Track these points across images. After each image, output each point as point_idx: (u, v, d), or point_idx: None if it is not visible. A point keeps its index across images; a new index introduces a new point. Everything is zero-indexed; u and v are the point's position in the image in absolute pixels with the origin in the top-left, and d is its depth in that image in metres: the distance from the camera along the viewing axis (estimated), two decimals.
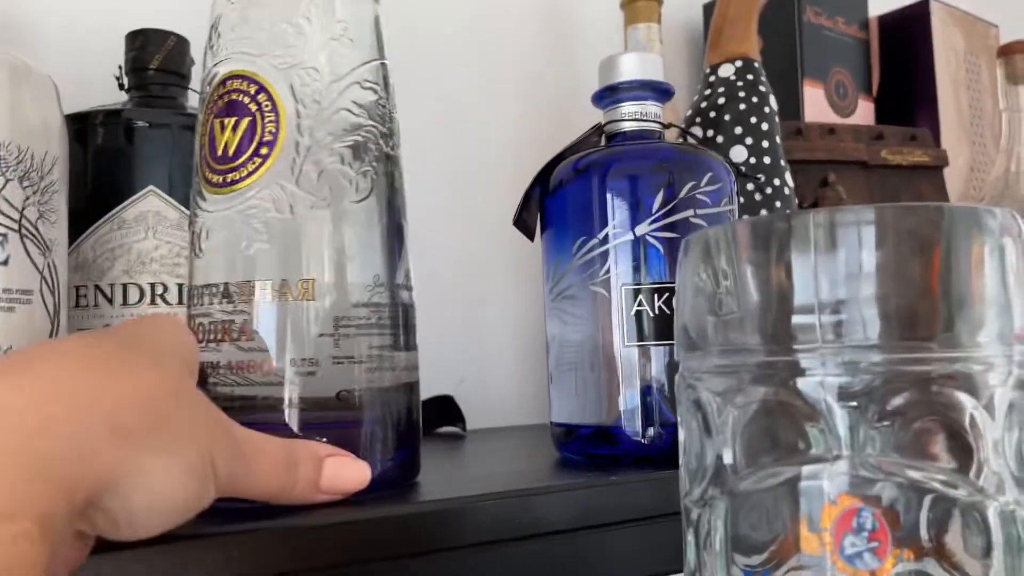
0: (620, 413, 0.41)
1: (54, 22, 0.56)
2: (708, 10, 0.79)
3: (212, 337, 0.33)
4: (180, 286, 0.45)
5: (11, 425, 0.20)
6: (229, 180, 0.34)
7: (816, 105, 0.70)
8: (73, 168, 0.41)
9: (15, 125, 0.34)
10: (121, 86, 0.50)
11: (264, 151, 0.34)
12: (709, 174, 0.42)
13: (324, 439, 0.32)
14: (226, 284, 0.33)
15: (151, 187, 0.45)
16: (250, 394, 0.32)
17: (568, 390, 0.44)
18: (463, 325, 0.69)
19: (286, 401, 0.32)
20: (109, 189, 0.45)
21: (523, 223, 0.47)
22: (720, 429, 0.28)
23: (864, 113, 0.75)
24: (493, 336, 0.70)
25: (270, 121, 0.34)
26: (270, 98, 0.34)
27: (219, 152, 0.34)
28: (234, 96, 0.34)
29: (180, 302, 0.44)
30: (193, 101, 0.51)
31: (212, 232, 0.34)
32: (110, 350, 0.24)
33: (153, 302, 0.44)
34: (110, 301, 0.44)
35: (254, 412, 0.32)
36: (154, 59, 0.49)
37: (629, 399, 0.41)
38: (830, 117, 0.71)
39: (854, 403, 0.26)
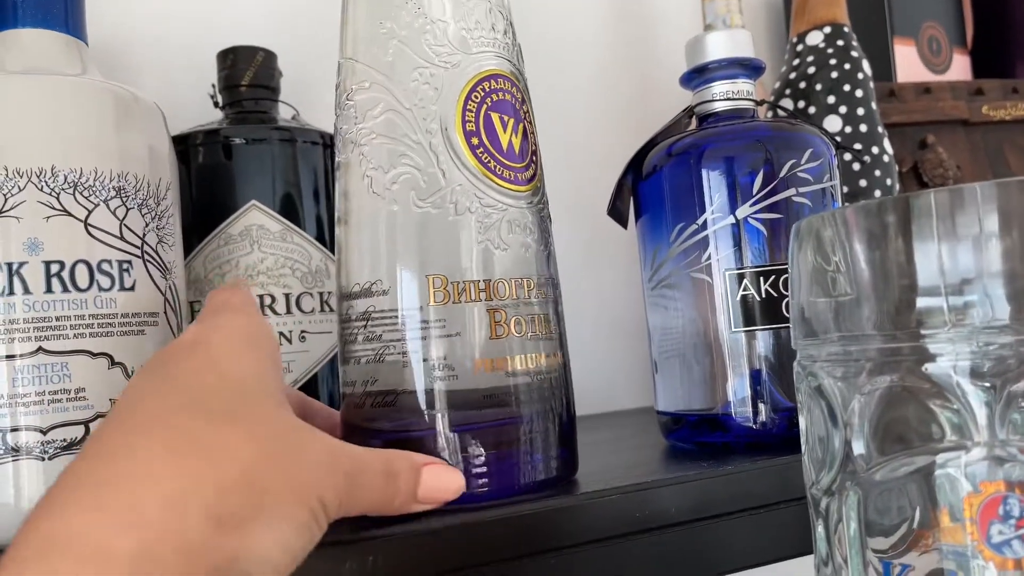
0: (729, 400, 0.41)
1: (146, 46, 0.58)
2: None
3: (524, 331, 0.35)
4: (287, 295, 0.46)
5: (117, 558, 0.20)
6: (522, 179, 0.36)
7: (909, 63, 0.67)
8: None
9: (130, 155, 0.36)
10: (216, 104, 0.51)
11: (535, 158, 0.37)
12: (809, 150, 0.41)
13: None
14: (530, 278, 0.35)
15: (253, 201, 0.46)
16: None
17: (674, 378, 0.43)
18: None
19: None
20: (213, 206, 0.46)
21: (617, 212, 0.47)
22: (847, 418, 0.28)
23: (960, 68, 0.71)
24: (586, 322, 0.70)
25: (531, 131, 0.37)
26: (529, 109, 0.37)
27: (504, 147, 0.35)
28: (507, 97, 0.36)
29: (288, 311, 0.46)
30: (284, 112, 0.52)
31: (513, 224, 0.35)
32: (195, 427, 0.23)
33: (262, 312, 0.45)
34: None
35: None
36: (245, 76, 0.50)
37: (739, 385, 0.41)
38: (924, 75, 0.68)
39: (988, 385, 0.25)
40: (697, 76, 0.45)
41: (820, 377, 0.29)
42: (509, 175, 0.35)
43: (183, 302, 0.39)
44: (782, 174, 0.41)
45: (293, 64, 0.55)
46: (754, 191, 0.40)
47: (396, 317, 0.34)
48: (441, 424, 0.33)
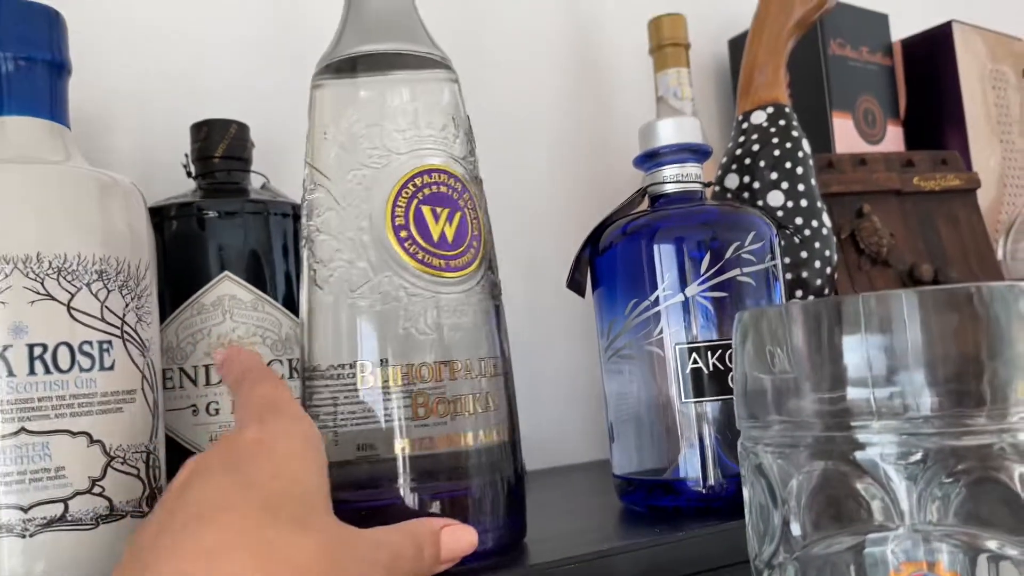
0: (681, 465, 0.43)
1: (120, 116, 0.59)
2: (734, 45, 0.81)
3: (456, 409, 0.37)
4: None
5: None
6: (454, 266, 0.38)
7: (846, 135, 0.72)
8: None
9: (112, 239, 0.37)
10: (189, 174, 0.53)
11: (475, 244, 0.39)
12: (752, 232, 0.44)
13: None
14: (468, 360, 0.38)
15: (226, 272, 0.48)
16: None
17: (629, 443, 0.46)
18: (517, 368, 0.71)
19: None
20: (186, 275, 0.48)
21: (575, 283, 0.49)
22: (785, 496, 0.31)
23: (893, 138, 0.76)
24: (546, 384, 0.72)
25: (474, 218, 0.40)
26: (472, 198, 0.40)
27: (435, 237, 0.38)
28: (443, 189, 0.39)
29: None
30: (254, 180, 0.54)
31: (439, 311, 0.38)
32: (276, 536, 0.25)
33: None
34: (194, 382, 0.47)
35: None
36: (219, 147, 0.52)
37: (689, 452, 0.43)
38: (860, 146, 0.73)
39: (911, 474, 0.28)
40: (649, 160, 0.48)
41: (761, 456, 0.32)
42: (439, 263, 0.38)
43: (159, 375, 0.40)
44: (728, 255, 0.44)
45: (262, 129, 0.57)
46: (702, 270, 0.43)
47: (333, 402, 0.37)
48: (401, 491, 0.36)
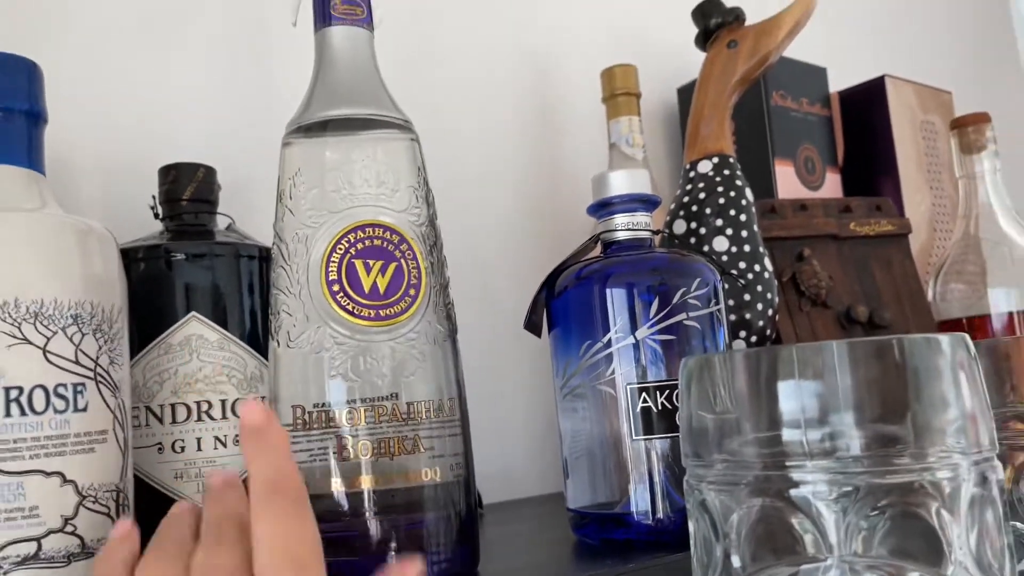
0: (632, 499, 0.46)
1: (87, 159, 0.60)
2: (683, 93, 0.85)
3: (383, 450, 0.40)
4: (223, 401, 0.49)
5: None
6: (384, 315, 0.41)
7: (787, 181, 0.76)
8: None
9: (87, 284, 0.39)
10: (156, 215, 0.54)
11: (412, 292, 0.41)
12: (698, 279, 0.47)
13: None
14: (394, 404, 0.40)
15: (193, 313, 0.49)
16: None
17: (582, 478, 0.48)
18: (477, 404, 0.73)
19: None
20: (153, 316, 0.49)
21: (532, 324, 0.52)
22: (727, 530, 0.33)
23: (832, 184, 0.81)
24: (502, 420, 0.74)
25: (414, 268, 0.42)
26: (411, 249, 0.42)
27: (366, 289, 0.41)
28: (377, 243, 0.41)
29: (224, 416, 0.49)
30: (220, 221, 0.56)
31: (368, 356, 0.40)
32: None
33: (199, 418, 0.48)
34: (160, 420, 0.48)
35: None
36: (187, 190, 0.53)
37: (640, 487, 0.45)
38: (801, 192, 0.77)
39: (841, 508, 0.30)
40: (602, 208, 0.51)
41: (705, 493, 0.34)
42: (368, 313, 0.41)
43: (129, 415, 0.41)
44: (675, 300, 0.46)
45: (228, 170, 0.59)
46: (651, 314, 0.46)
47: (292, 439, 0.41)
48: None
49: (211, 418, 0.48)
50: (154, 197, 0.55)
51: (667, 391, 0.46)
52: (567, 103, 0.83)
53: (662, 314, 0.46)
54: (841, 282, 0.70)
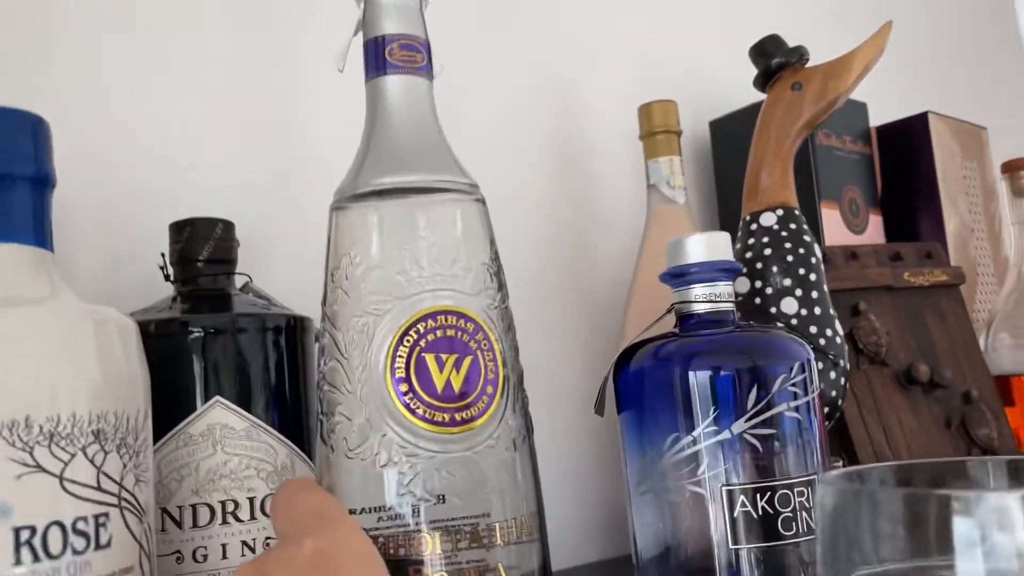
0: None
1: (82, 212, 0.53)
2: (715, 127, 0.80)
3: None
4: (251, 499, 0.42)
5: None
6: (460, 419, 0.35)
7: (834, 226, 0.71)
8: None
9: (110, 389, 0.32)
10: (167, 277, 0.48)
11: (490, 390, 0.36)
12: (797, 362, 0.42)
13: None
14: (473, 526, 0.34)
15: (217, 398, 0.43)
16: None
17: None
18: None
19: None
20: (169, 402, 0.42)
21: (602, 407, 0.46)
22: None
23: (875, 227, 0.76)
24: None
25: (490, 360, 0.36)
26: (487, 338, 0.36)
27: (439, 389, 0.35)
28: (450, 333, 0.35)
29: (252, 517, 0.42)
30: (237, 282, 0.49)
31: (444, 471, 0.35)
32: None
33: (224, 521, 0.42)
34: (179, 525, 0.41)
35: None
36: (203, 250, 0.47)
37: None
38: (846, 235, 0.73)
39: None
40: (679, 277, 0.45)
41: None
42: (442, 418, 0.35)
43: (155, 539, 0.35)
44: (774, 388, 0.41)
45: (243, 224, 0.52)
46: (748, 406, 0.41)
47: None
48: None
49: (238, 520, 0.42)
50: (163, 255, 0.48)
51: (767, 494, 0.40)
52: (597, 139, 0.77)
53: (760, 404, 0.41)
54: (897, 337, 0.65)
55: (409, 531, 0.34)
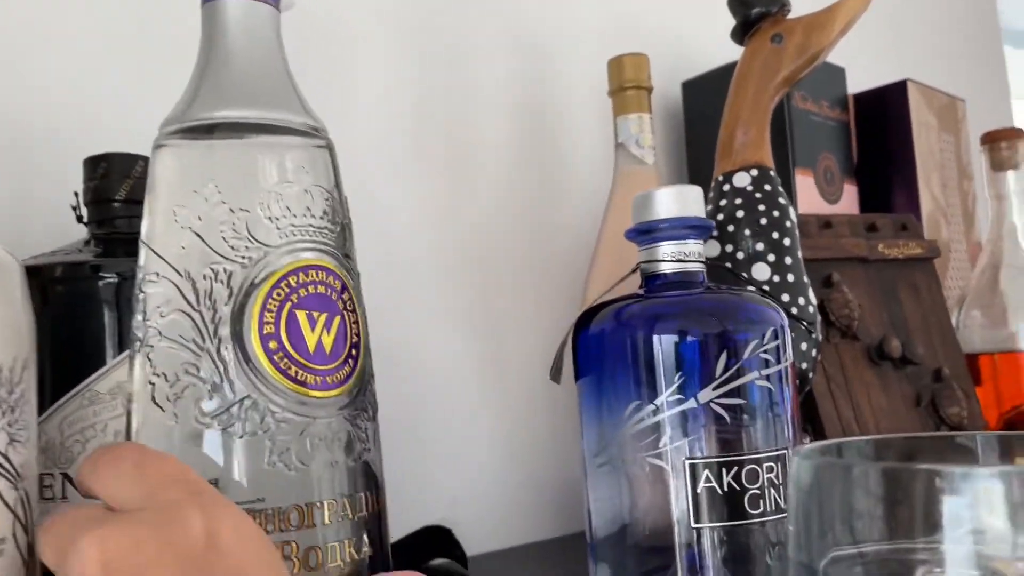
0: None
1: None
2: (688, 88, 0.76)
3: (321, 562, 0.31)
4: None
5: None
6: (334, 381, 0.32)
7: (808, 193, 0.68)
8: None
9: None
10: (79, 218, 0.43)
11: (355, 353, 0.33)
12: (771, 328, 0.39)
13: None
14: (334, 500, 0.31)
15: (129, 352, 0.38)
16: None
17: (618, 565, 0.39)
18: (452, 443, 0.63)
19: None
20: (74, 356, 0.38)
21: (558, 374, 0.43)
22: None
23: (849, 196, 0.73)
24: (484, 453, 0.65)
25: (353, 322, 0.33)
26: (352, 298, 0.33)
27: (312, 349, 0.31)
28: (321, 289, 0.32)
29: None
30: None
31: (306, 438, 0.31)
32: None
33: None
34: None
35: None
36: (120, 189, 0.42)
37: None
38: (820, 204, 0.70)
39: None
40: (645, 234, 0.42)
41: None
42: (315, 381, 0.31)
43: (35, 507, 0.31)
44: (746, 354, 0.38)
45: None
46: (717, 373, 0.37)
47: None
48: None
49: None
50: (76, 195, 0.43)
51: (734, 469, 0.37)
52: (563, 95, 0.73)
53: (729, 372, 0.37)
54: (869, 311, 0.63)
55: (281, 510, 0.30)
